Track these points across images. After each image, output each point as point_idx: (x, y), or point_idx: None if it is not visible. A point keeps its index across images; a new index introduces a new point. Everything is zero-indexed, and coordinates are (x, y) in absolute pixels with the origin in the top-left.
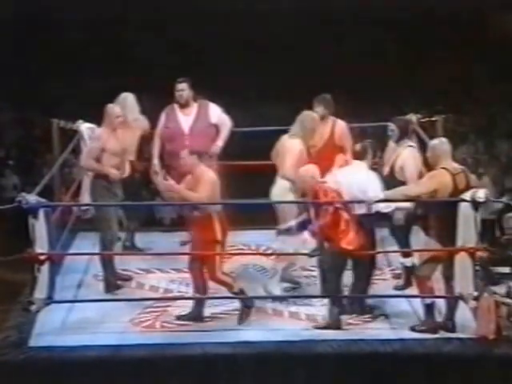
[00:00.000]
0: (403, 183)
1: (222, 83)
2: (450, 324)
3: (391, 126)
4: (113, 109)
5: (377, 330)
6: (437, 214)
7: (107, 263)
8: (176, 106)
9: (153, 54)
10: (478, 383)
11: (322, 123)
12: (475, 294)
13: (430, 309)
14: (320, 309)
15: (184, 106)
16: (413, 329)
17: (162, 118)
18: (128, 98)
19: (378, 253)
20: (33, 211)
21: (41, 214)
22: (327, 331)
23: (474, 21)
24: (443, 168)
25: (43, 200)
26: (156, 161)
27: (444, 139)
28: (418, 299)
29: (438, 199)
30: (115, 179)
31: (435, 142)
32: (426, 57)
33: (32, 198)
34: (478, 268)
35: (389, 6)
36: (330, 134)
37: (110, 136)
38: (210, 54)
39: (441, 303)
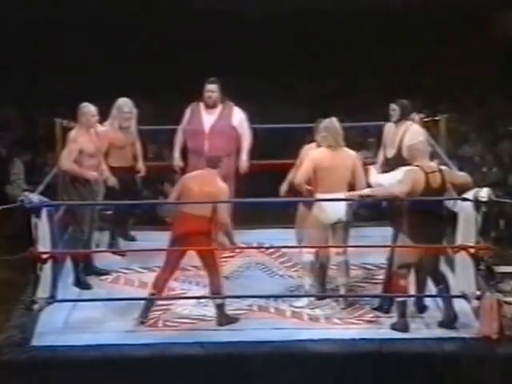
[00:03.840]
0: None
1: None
2: (450, 322)
3: (393, 105)
4: (88, 107)
5: (378, 330)
6: (409, 212)
7: (78, 262)
8: (202, 104)
9: (154, 54)
10: (480, 383)
11: (396, 128)
12: (478, 293)
13: (401, 307)
14: (322, 308)
15: (211, 106)
16: (393, 327)
17: (187, 114)
18: (126, 103)
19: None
20: (35, 210)
21: (43, 213)
22: (328, 331)
23: (475, 21)
24: (417, 166)
25: (46, 199)
26: (177, 155)
27: (422, 139)
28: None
29: (437, 198)
30: (93, 181)
31: (413, 142)
32: (428, 56)
33: (35, 198)
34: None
35: (388, 5)
36: (400, 138)
37: (86, 137)
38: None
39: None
